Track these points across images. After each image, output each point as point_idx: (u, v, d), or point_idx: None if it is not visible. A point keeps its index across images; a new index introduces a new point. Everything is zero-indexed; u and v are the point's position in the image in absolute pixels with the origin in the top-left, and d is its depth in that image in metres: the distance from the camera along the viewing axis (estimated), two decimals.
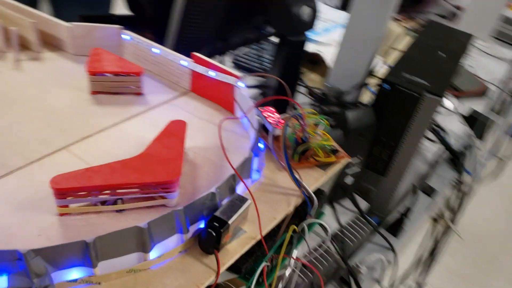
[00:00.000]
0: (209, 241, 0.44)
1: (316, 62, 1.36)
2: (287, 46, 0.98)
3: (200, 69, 0.66)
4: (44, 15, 0.74)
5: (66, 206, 0.47)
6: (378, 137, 0.87)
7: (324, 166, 0.58)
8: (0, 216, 0.46)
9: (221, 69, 0.64)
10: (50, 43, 0.76)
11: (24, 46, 0.74)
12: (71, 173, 0.47)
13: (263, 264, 0.47)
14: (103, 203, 0.48)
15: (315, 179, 0.56)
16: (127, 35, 0.72)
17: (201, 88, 0.68)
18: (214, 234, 0.44)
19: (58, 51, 0.75)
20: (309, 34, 1.41)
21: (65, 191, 0.46)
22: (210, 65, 0.65)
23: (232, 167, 0.48)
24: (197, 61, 0.67)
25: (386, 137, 0.87)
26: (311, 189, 0.54)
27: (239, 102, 0.62)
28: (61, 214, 0.47)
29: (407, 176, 0.94)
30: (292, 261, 0.56)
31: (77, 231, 0.45)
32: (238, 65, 1.27)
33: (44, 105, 0.62)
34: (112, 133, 0.59)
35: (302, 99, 1.15)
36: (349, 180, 0.89)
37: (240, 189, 0.51)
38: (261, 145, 0.56)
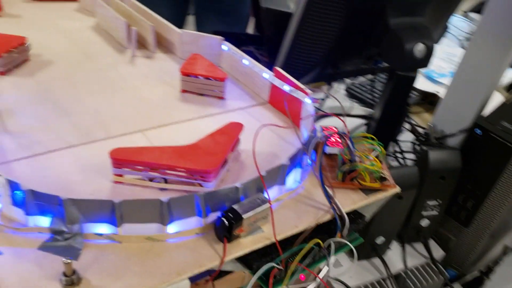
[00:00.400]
0: (221, 229, 0.48)
1: (433, 103, 1.32)
2: (396, 81, 0.98)
3: (277, 82, 0.70)
4: (162, 20, 0.85)
5: (121, 175, 0.55)
6: (464, 183, 0.82)
7: (369, 191, 0.58)
8: (69, 173, 0.55)
9: (295, 85, 0.68)
10: (164, 45, 0.87)
11: (142, 45, 0.86)
12: (129, 148, 0.55)
13: (271, 264, 0.49)
14: (151, 180, 0.55)
15: (353, 201, 0.56)
16: (226, 46, 0.80)
17: (277, 101, 0.72)
18: (226, 223, 0.47)
19: (168, 53, 0.86)
20: (434, 75, 1.37)
21: (120, 161, 0.54)
22: (286, 80, 0.69)
23: (258, 169, 0.51)
24: (277, 75, 0.71)
25: (473, 185, 0.82)
26: (345, 209, 0.55)
27: (303, 117, 0.65)
28: (115, 182, 0.55)
29: (496, 233, 0.87)
30: (318, 279, 0.57)
31: (121, 198, 0.52)
32: (351, 94, 1.29)
33: (139, 94, 0.72)
34: (184, 126, 0.66)
35: (406, 136, 1.12)
36: (424, 222, 0.85)
37: (273, 193, 0.54)
38: (308, 159, 0.59)
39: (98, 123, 0.65)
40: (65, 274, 0.42)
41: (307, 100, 0.65)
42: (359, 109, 1.25)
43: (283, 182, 0.55)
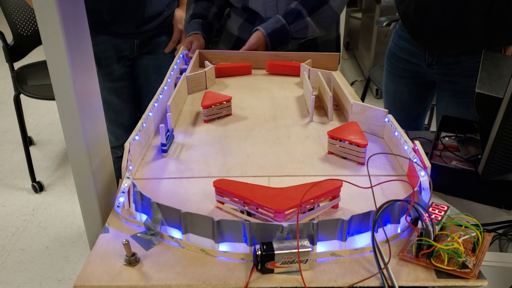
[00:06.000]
0: (254, 257, 0.52)
1: None
2: None
3: (412, 157, 0.68)
4: (343, 91, 0.93)
5: (222, 202, 0.65)
6: None
7: (444, 274, 0.52)
8: (192, 193, 0.69)
9: (422, 160, 0.66)
10: (341, 112, 0.95)
11: (325, 112, 0.96)
12: (231, 181, 0.65)
13: None
14: (242, 212, 0.63)
15: (416, 278, 0.51)
16: (387, 118, 0.82)
17: (412, 176, 0.70)
18: (257, 252, 0.52)
19: (343, 121, 0.92)
20: None
21: (220, 190, 0.64)
22: (418, 155, 0.67)
23: (297, 216, 0.53)
24: (415, 151, 0.69)
25: None
26: (401, 283, 0.51)
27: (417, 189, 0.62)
28: (216, 207, 0.65)
29: None
30: None
31: None
32: None
33: (290, 149, 0.82)
34: (306, 179, 0.71)
35: None
36: None
37: (328, 245, 0.55)
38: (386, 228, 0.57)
39: (242, 164, 0.77)
40: (126, 254, 0.55)
41: (421, 173, 0.63)
42: None
43: (342, 239, 0.55)
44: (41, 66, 2.25)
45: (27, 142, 2.16)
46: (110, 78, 1.47)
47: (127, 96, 1.54)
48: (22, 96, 2.08)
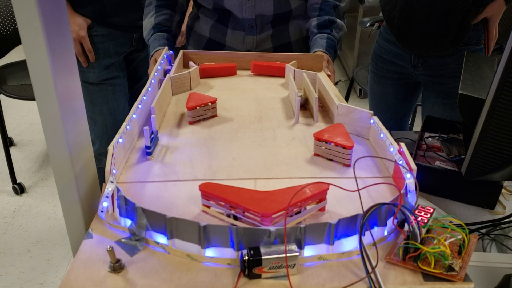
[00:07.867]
0: (241, 263, 0.52)
1: None
2: None
3: (398, 159, 0.69)
4: (329, 93, 0.93)
5: (208, 206, 0.64)
6: None
7: (431, 277, 0.52)
8: (178, 197, 0.68)
9: (408, 161, 0.66)
10: (326, 113, 0.94)
11: (311, 114, 0.96)
12: (217, 184, 0.64)
13: None
14: (229, 216, 0.63)
15: (403, 281, 0.51)
16: (373, 120, 0.82)
17: (398, 178, 0.70)
18: (244, 257, 0.51)
19: (329, 122, 0.92)
20: None
21: (206, 194, 0.63)
22: (404, 157, 0.67)
23: (285, 220, 0.53)
24: (401, 153, 0.70)
25: None
26: (389, 287, 0.51)
27: (402, 191, 0.63)
28: (202, 211, 0.65)
29: None
30: None
31: None
32: None
33: (276, 151, 0.81)
34: (293, 182, 0.71)
35: None
36: None
37: (315, 250, 0.55)
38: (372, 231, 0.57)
39: (228, 167, 0.76)
40: (110, 261, 0.54)
41: (407, 176, 0.63)
42: None
43: (329, 242, 0.55)
44: (21, 65, 2.22)
45: (7, 143, 2.13)
46: (106, 71, 1.48)
47: (119, 89, 1.55)
48: (1, 96, 2.04)
